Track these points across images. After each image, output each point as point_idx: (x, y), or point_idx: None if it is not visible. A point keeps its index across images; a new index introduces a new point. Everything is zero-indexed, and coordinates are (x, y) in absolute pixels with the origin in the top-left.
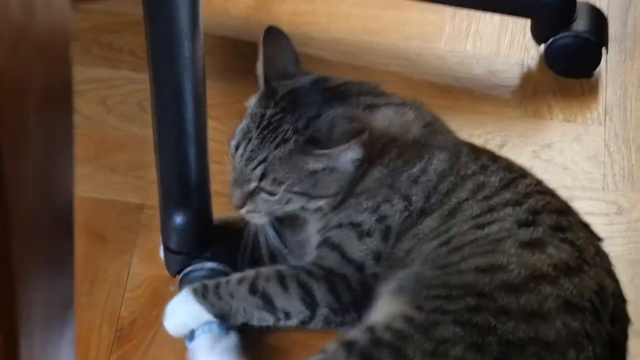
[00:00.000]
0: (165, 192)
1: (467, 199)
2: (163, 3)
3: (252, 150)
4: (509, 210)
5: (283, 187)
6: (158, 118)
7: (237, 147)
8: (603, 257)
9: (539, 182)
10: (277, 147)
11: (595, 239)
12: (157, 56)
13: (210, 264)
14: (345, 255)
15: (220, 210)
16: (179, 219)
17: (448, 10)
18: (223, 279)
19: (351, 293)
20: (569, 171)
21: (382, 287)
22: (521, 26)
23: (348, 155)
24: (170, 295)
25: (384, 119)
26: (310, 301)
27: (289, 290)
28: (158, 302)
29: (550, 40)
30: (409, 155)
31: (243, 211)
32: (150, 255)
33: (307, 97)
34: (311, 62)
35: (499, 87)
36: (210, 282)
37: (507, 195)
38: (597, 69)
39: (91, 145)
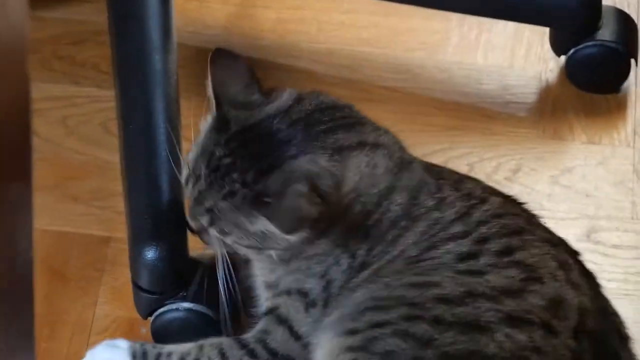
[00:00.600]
0: (135, 224)
1: (412, 243)
2: (130, 11)
3: (199, 192)
4: (450, 245)
5: (231, 238)
6: (126, 141)
7: (187, 181)
8: (569, 272)
9: (502, 204)
10: (223, 198)
11: (565, 253)
12: (124, 71)
13: (186, 304)
14: (293, 331)
15: (197, 243)
16: (150, 254)
17: (455, 18)
18: (165, 349)
19: None
20: (593, 199)
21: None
22: (539, 35)
23: (291, 239)
24: (143, 339)
25: (355, 171)
26: None
27: None
28: None
29: (572, 50)
30: (369, 210)
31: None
32: (117, 295)
33: (260, 140)
34: (299, 76)
35: (513, 104)
36: (151, 350)
37: (456, 228)
38: (626, 83)
39: (51, 171)
